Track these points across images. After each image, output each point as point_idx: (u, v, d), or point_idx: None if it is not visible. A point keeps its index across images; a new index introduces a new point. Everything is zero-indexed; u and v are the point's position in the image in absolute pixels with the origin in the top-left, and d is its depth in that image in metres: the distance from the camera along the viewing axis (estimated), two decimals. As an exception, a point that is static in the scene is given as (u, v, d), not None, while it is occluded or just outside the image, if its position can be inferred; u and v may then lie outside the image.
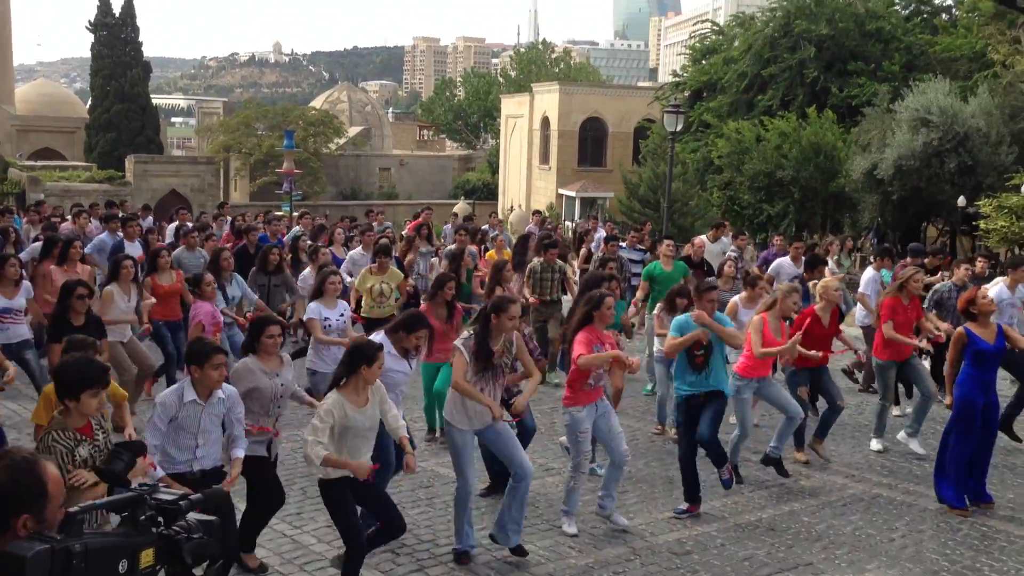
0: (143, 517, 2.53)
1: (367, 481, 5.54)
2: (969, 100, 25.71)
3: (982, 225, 23.42)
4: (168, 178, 43.27)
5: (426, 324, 6.83)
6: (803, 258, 12.14)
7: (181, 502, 2.59)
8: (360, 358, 5.51)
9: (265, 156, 50.35)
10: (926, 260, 12.57)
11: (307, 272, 11.48)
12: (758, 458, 8.57)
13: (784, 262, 12.49)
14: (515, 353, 6.65)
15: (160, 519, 2.56)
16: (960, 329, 7.92)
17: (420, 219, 16.95)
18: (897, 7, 35.87)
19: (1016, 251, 20.66)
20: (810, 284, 10.54)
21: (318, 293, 8.65)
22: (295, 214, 17.98)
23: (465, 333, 6.62)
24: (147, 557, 2.49)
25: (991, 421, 7.97)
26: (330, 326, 8.41)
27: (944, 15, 35.80)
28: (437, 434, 8.96)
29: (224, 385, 5.59)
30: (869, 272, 11.79)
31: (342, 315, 8.59)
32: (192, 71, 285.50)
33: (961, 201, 24.66)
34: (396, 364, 6.57)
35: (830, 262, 12.46)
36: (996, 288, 10.12)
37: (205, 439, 5.55)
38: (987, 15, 29.42)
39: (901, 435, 9.42)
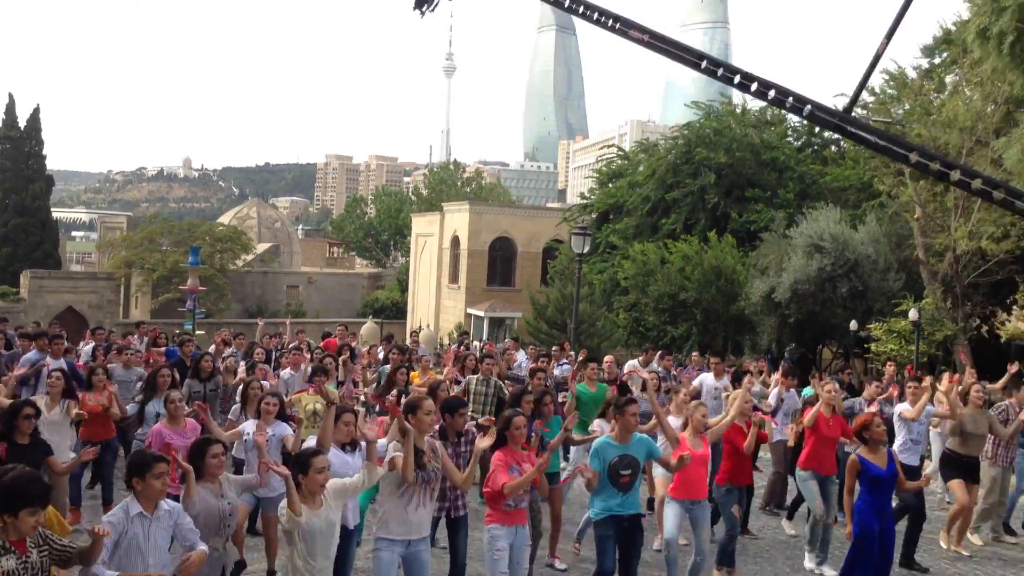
0: None
1: None
2: (858, 228, 26.93)
3: (873, 348, 24.22)
4: (65, 294, 42.07)
5: (349, 408, 7.04)
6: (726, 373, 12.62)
7: None
8: (297, 468, 5.62)
9: (169, 272, 49.42)
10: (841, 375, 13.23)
11: (287, 373, 11.89)
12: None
13: (706, 377, 12.75)
14: (441, 463, 6.57)
15: None
16: (853, 456, 8.04)
17: (335, 340, 16.76)
18: (790, 139, 37.78)
19: (906, 373, 21.34)
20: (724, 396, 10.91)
21: (255, 414, 8.40)
22: (227, 331, 17.68)
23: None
24: None
25: (888, 548, 8.03)
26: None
27: (833, 147, 37.77)
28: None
29: (167, 500, 5.45)
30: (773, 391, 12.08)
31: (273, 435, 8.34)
32: (97, 185, 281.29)
33: (853, 325, 25.52)
34: (341, 460, 6.67)
35: (757, 384, 12.60)
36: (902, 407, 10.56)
37: (156, 557, 5.34)
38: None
39: (810, 564, 9.41)
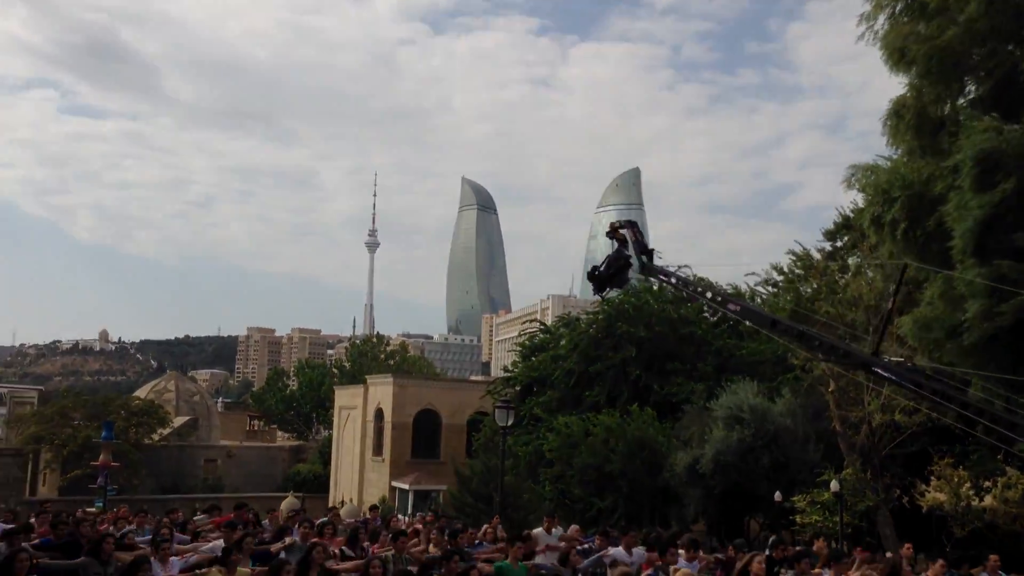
0: None
1: None
2: (776, 400, 27.70)
3: (798, 519, 24.49)
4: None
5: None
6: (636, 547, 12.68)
7: None
8: None
9: (80, 447, 47.76)
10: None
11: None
12: None
13: (618, 551, 12.83)
14: None
15: None
16: None
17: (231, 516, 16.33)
18: (706, 314, 39.06)
19: (832, 544, 21.58)
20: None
21: None
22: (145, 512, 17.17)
23: None
24: None
25: None
26: None
27: (747, 322, 39.09)
28: None
29: None
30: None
31: None
32: (8, 359, 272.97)
33: (777, 496, 25.84)
34: None
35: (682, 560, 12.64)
36: None
37: None
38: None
39: None
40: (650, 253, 15.15)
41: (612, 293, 38.00)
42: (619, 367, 35.71)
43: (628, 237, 15.31)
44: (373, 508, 23.48)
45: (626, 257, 15.27)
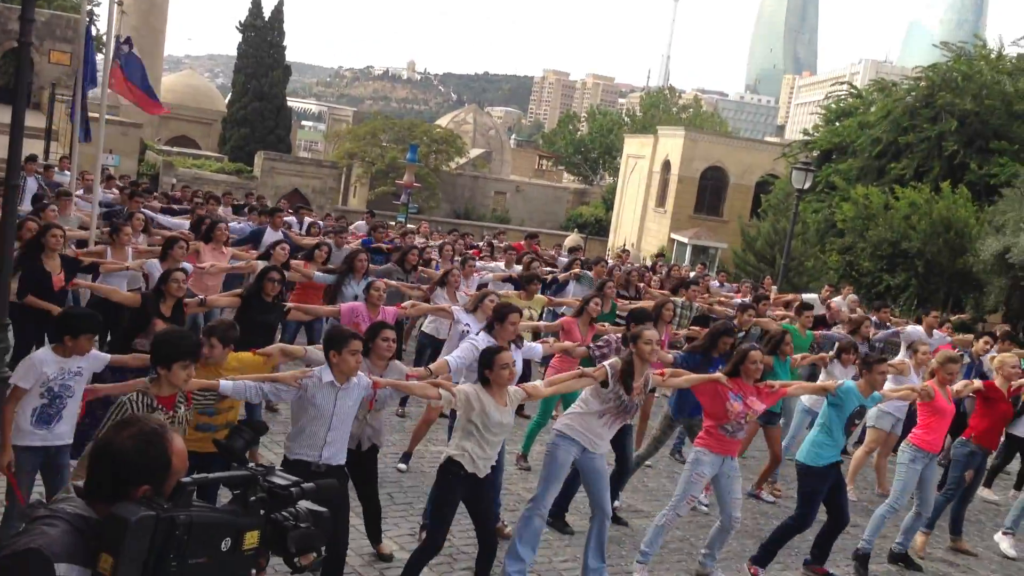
0: (253, 498, 2.48)
1: (491, 489, 5.78)
2: (1117, 192, 24.42)
3: (1118, 324, 22.11)
4: (292, 177, 44.59)
5: (515, 310, 6.96)
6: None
7: (294, 488, 2.53)
8: (482, 365, 5.71)
9: (387, 167, 51.47)
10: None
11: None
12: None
13: (915, 330, 12.18)
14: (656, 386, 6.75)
15: (270, 503, 2.50)
16: None
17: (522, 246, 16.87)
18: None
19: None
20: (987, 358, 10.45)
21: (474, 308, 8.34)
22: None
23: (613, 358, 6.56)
24: (251, 539, 2.43)
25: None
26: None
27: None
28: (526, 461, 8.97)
29: (361, 375, 5.58)
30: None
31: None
32: (328, 79, 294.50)
33: (1097, 297, 23.38)
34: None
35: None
36: None
37: (336, 431, 5.46)
38: None
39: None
40: None
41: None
42: (934, 140, 32.63)
43: None
44: (660, 255, 23.80)
45: None
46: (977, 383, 8.48)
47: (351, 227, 17.57)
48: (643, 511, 8.33)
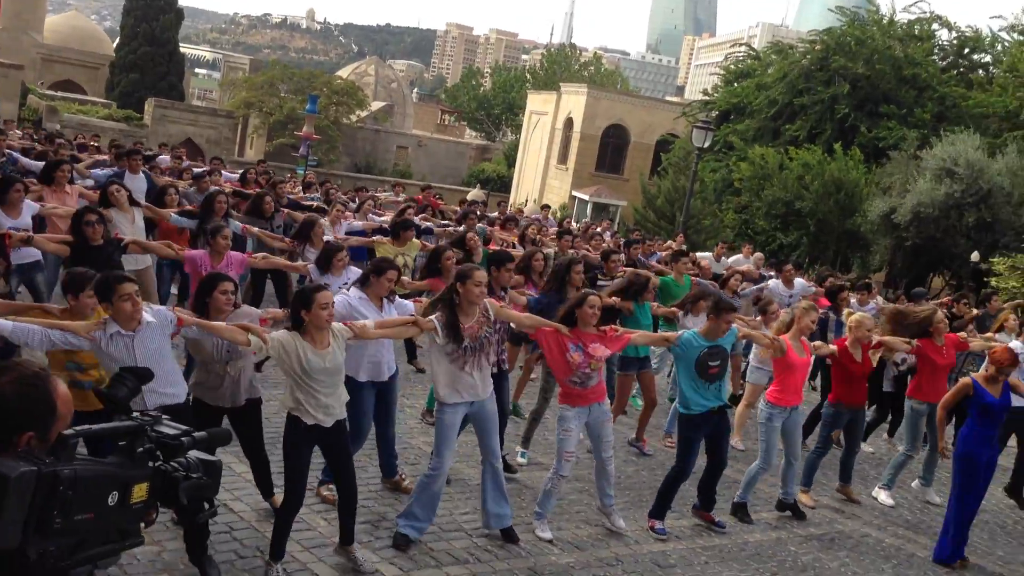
0: (140, 449, 2.36)
1: (341, 436, 5.54)
2: (997, 158, 25.55)
3: (993, 282, 23.22)
4: (185, 126, 43.17)
5: (393, 266, 6.76)
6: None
7: (184, 438, 2.42)
8: (298, 303, 5.35)
9: (285, 118, 50.14)
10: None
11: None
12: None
13: (773, 284, 12.60)
14: (496, 318, 6.35)
15: (159, 453, 2.38)
16: (967, 379, 7.77)
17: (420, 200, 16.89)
18: (935, 57, 35.65)
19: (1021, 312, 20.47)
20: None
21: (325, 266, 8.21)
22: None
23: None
24: (140, 492, 2.32)
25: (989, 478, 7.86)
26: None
27: (981, 71, 35.55)
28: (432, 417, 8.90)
29: (161, 309, 5.45)
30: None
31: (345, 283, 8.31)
32: (223, 26, 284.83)
33: (975, 256, 24.50)
34: (369, 313, 6.42)
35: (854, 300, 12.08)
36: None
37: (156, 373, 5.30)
38: (1024, 76, 29.24)
39: (916, 483, 9.45)
40: None
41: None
42: (827, 103, 33.54)
43: None
44: (545, 207, 23.82)
45: None
46: (830, 347, 8.50)
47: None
48: (542, 463, 8.40)
